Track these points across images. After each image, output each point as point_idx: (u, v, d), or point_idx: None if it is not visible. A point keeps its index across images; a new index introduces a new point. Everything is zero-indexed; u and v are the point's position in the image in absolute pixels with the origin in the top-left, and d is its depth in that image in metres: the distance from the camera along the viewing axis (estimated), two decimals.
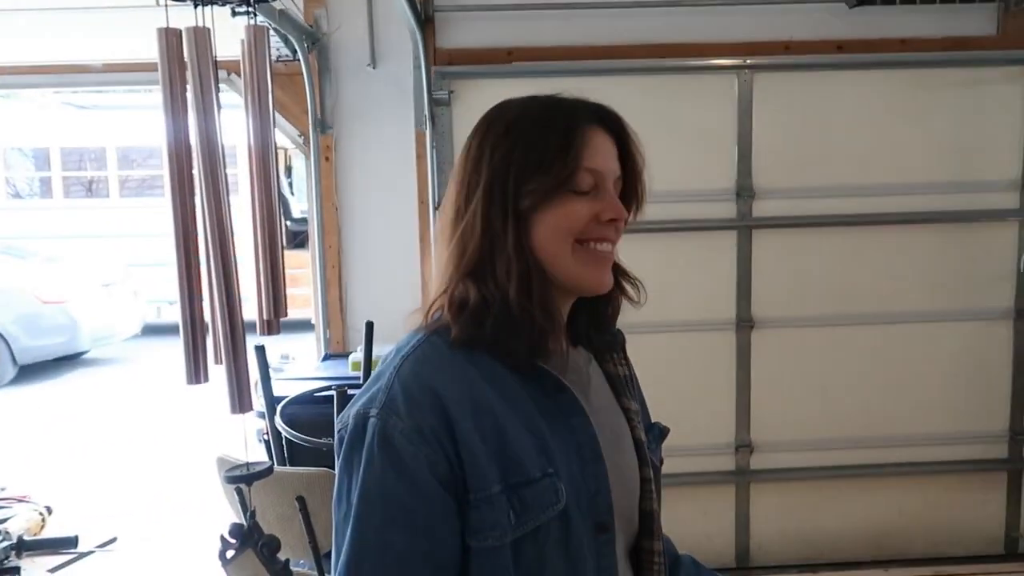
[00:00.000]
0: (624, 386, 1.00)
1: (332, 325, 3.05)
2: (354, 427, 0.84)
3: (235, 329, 0.87)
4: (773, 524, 3.17)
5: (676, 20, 2.98)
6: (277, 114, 3.07)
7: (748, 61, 2.95)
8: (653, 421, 1.06)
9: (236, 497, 2.06)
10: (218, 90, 0.85)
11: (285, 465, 2.39)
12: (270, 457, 2.41)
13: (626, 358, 1.02)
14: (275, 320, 0.97)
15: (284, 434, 2.27)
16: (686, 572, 1.10)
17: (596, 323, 1.00)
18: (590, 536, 0.88)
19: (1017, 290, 3.09)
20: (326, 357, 3.06)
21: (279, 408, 2.30)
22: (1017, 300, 3.09)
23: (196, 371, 0.87)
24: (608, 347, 1.01)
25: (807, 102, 3.00)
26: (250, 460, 1.08)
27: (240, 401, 0.90)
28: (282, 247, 0.96)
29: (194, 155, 0.84)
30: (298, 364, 3.17)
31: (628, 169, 0.94)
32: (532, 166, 0.86)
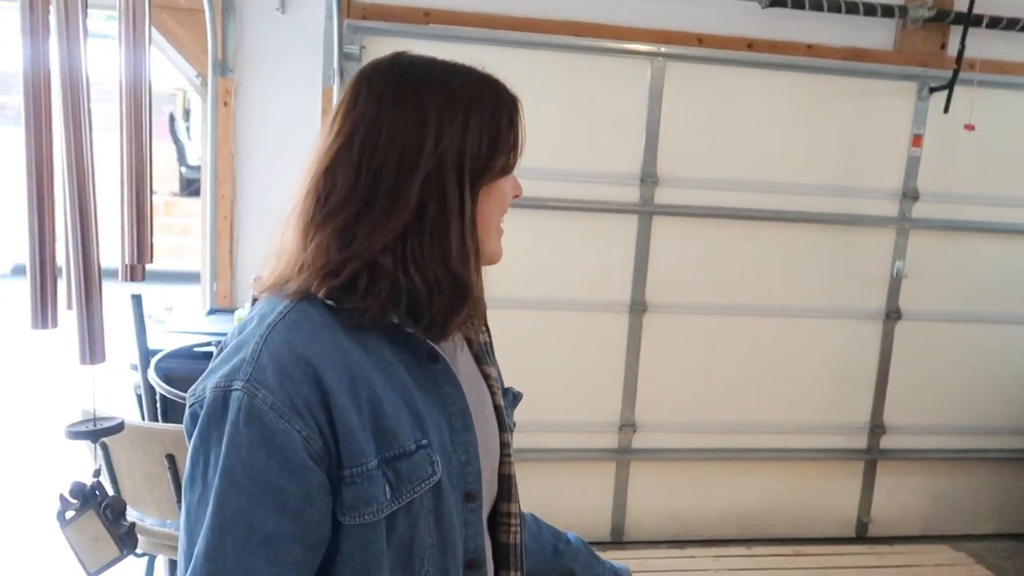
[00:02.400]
0: (485, 353, 1.00)
1: (220, 278, 2.93)
2: (213, 401, 0.77)
3: (90, 273, 0.81)
4: (648, 501, 3.30)
5: (594, 1, 2.98)
6: (174, 51, 2.90)
7: (662, 49, 2.99)
8: (507, 387, 1.06)
9: (99, 452, 1.96)
10: (86, 14, 0.77)
11: (157, 421, 2.29)
12: (141, 412, 2.30)
13: (486, 325, 1.02)
14: (139, 265, 0.90)
15: (158, 389, 2.17)
16: (528, 528, 1.12)
17: None
18: (460, 505, 0.87)
19: (889, 293, 3.29)
20: (212, 311, 2.94)
21: (154, 362, 2.19)
22: (888, 302, 3.30)
23: (43, 315, 0.81)
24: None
25: (715, 95, 3.07)
26: (99, 415, 1.02)
27: (91, 351, 0.84)
28: (151, 190, 0.90)
29: (55, 85, 0.77)
30: (182, 317, 3.03)
31: None
32: (489, 144, 0.85)
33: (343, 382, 0.79)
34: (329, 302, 0.83)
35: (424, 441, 0.83)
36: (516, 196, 0.92)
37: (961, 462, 3.47)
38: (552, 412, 3.13)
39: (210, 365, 0.83)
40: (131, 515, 1.95)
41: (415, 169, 0.82)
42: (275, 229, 0.88)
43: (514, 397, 1.06)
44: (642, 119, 3.03)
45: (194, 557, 0.76)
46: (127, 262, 0.89)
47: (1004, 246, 3.34)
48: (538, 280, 3.04)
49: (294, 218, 0.86)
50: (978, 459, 3.48)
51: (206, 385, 0.80)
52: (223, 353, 0.83)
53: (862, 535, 3.46)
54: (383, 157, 0.82)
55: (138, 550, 2.02)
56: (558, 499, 3.20)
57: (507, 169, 0.89)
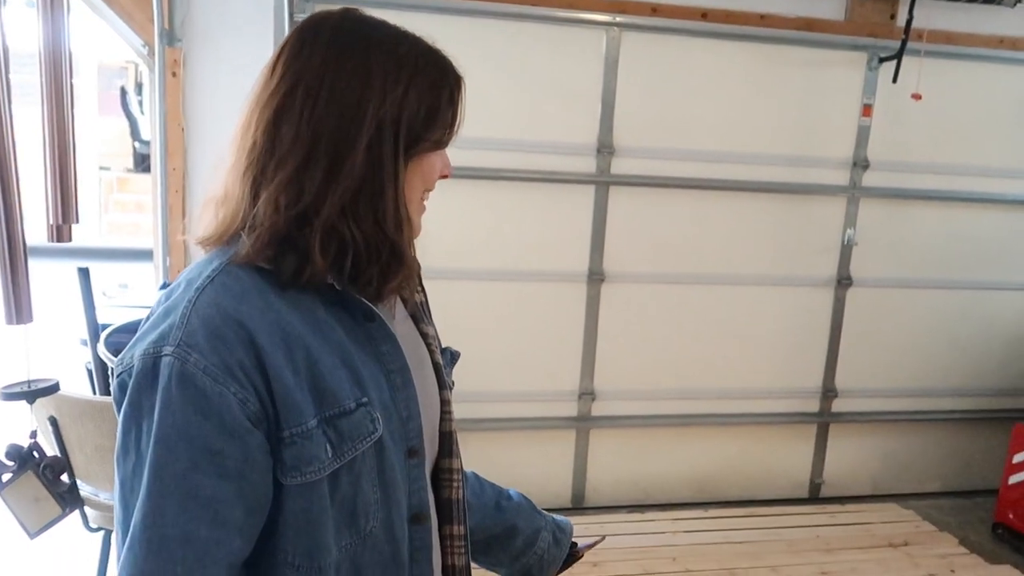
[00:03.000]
0: (421, 312, 1.01)
1: (173, 253, 2.88)
2: (142, 368, 0.76)
3: (13, 235, 0.80)
4: (608, 468, 3.35)
5: None
6: (119, 20, 2.82)
7: (617, 19, 2.99)
8: (444, 346, 1.06)
9: (50, 428, 1.94)
10: None
11: (109, 395, 2.26)
12: (92, 387, 2.27)
13: (422, 284, 1.03)
14: (65, 226, 0.89)
15: (108, 363, 2.14)
16: (470, 485, 1.14)
17: None
18: (402, 461, 0.88)
19: (840, 260, 3.36)
20: (164, 285, 2.90)
21: (104, 336, 2.16)
22: (839, 269, 3.37)
23: None
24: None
25: (670, 66, 3.08)
26: (33, 377, 1.00)
27: (18, 311, 0.83)
28: (73, 152, 0.88)
29: None
30: (135, 292, 2.98)
31: None
32: (426, 115, 0.85)
33: (277, 343, 0.78)
34: (262, 264, 0.81)
35: (364, 399, 0.83)
36: (444, 176, 0.92)
37: (908, 424, 3.59)
38: (512, 382, 3.16)
39: (138, 333, 0.81)
40: (84, 490, 1.94)
41: (357, 127, 0.81)
42: (214, 172, 0.86)
43: (452, 356, 1.07)
44: (598, 89, 3.03)
45: (132, 526, 0.74)
46: (52, 222, 0.87)
47: (951, 214, 3.43)
48: (496, 251, 3.04)
49: (238, 166, 0.84)
50: (924, 421, 3.59)
51: (134, 353, 0.77)
52: (151, 319, 0.81)
53: (815, 496, 3.57)
54: (325, 110, 0.81)
55: (93, 525, 2.01)
56: (519, 468, 3.23)
57: (440, 144, 0.89)
